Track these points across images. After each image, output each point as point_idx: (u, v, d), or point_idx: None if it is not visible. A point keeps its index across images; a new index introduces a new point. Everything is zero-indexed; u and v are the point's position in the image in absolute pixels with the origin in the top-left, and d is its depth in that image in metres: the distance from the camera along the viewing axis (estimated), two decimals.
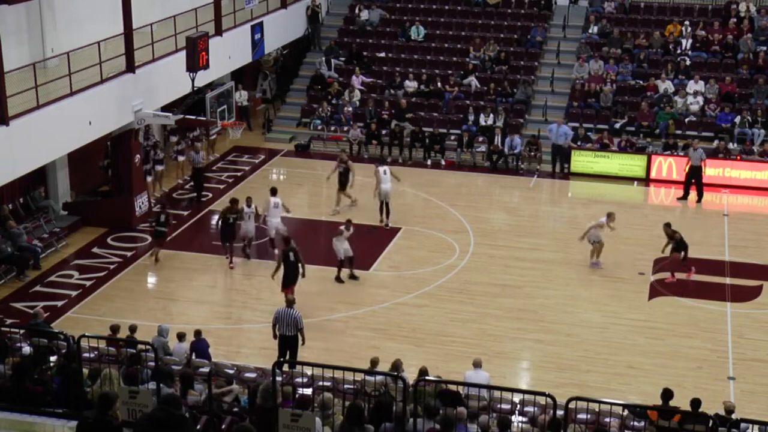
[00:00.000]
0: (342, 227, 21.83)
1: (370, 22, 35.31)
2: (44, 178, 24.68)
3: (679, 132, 29.86)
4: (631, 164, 28.66)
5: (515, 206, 27.29)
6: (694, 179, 27.14)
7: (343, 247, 21.55)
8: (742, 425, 12.05)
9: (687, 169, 27.30)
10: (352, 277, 21.76)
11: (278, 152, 30.97)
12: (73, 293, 21.15)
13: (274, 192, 23.42)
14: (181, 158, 28.20)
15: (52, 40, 24.13)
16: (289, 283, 19.91)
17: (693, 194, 27.20)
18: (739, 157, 28.54)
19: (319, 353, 17.78)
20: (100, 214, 24.84)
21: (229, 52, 28.93)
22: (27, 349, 14.35)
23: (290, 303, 17.57)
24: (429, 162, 29.84)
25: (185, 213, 25.93)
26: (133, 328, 16.71)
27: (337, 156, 26.57)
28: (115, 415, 9.72)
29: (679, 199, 27.31)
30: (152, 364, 12.68)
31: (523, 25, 34.35)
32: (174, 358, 15.73)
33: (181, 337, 16.77)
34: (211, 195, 27.19)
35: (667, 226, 22.30)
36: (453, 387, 12.53)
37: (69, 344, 12.31)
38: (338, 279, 21.68)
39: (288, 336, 17.37)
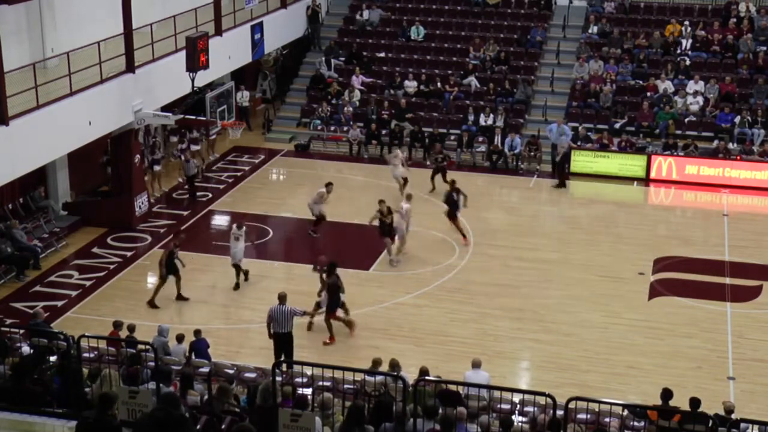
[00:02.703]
0: (234, 226, 21.72)
1: (370, 22, 35.30)
2: (44, 178, 24.68)
3: (679, 132, 29.86)
4: (631, 164, 28.64)
5: (515, 206, 27.28)
6: (565, 165, 27.92)
7: (234, 249, 21.24)
8: (742, 425, 12.03)
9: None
10: (245, 277, 21.53)
11: (278, 152, 30.95)
12: (73, 293, 21.15)
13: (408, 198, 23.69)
14: (184, 157, 28.23)
15: (52, 40, 24.13)
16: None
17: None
18: (739, 157, 28.53)
19: (319, 353, 17.81)
20: (100, 214, 24.83)
21: (229, 52, 28.92)
22: (27, 349, 14.36)
23: (282, 298, 17.53)
24: (429, 162, 29.83)
25: (185, 213, 25.94)
26: (132, 328, 16.71)
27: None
28: (113, 414, 9.72)
29: (555, 187, 27.96)
30: (152, 364, 12.67)
31: (523, 25, 34.33)
32: (174, 358, 15.74)
33: (180, 338, 16.77)
34: (211, 195, 27.19)
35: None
36: (453, 387, 12.52)
37: (69, 344, 12.30)
38: (245, 275, 21.58)
39: (281, 333, 17.34)
